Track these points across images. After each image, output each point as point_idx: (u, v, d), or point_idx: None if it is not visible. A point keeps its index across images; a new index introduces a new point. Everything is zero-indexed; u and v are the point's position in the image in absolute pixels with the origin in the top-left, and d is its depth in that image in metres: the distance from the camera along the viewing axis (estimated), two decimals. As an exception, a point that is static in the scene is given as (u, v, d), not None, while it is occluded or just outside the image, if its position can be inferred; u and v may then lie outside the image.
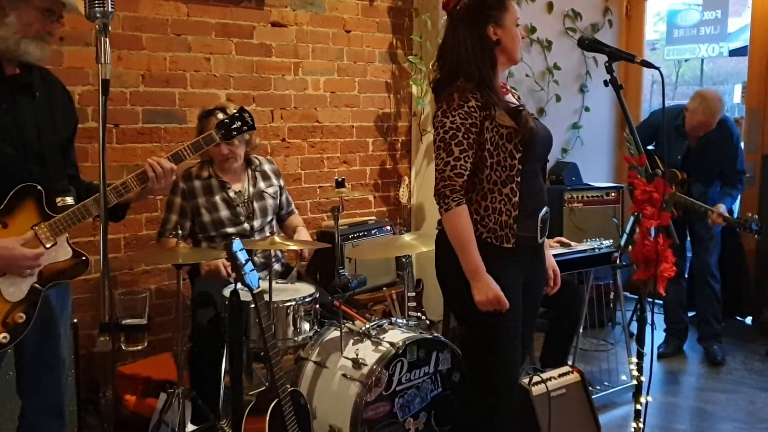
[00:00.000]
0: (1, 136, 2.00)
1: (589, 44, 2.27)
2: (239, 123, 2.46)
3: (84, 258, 2.13)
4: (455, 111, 2.16)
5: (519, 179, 2.21)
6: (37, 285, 2.04)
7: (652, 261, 2.13)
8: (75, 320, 2.97)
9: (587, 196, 4.61)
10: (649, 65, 2.18)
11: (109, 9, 1.76)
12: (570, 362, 3.46)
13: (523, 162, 2.21)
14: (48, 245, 2.05)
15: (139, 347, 2.29)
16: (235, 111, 2.50)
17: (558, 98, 4.85)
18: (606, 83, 2.21)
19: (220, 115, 2.43)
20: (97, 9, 1.76)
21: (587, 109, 5.12)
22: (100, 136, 1.80)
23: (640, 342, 2.27)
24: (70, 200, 2.12)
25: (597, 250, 3.54)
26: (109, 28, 1.79)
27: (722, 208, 3.89)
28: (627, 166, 4.17)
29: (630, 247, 3.69)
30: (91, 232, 3.39)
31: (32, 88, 2.08)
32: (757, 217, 3.81)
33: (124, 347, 2.31)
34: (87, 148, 3.33)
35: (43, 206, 2.05)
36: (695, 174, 4.04)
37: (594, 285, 3.73)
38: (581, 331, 3.64)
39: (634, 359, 2.28)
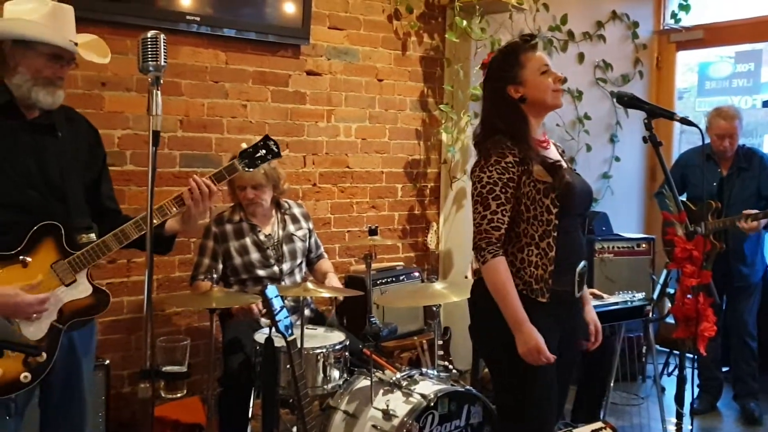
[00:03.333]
0: (24, 180, 2.04)
1: (628, 101, 2.28)
2: (264, 151, 2.32)
3: (105, 294, 2.13)
4: (492, 166, 2.19)
5: (556, 234, 2.21)
6: (56, 324, 2.05)
7: (692, 319, 2.10)
8: (107, 362, 3.00)
9: (618, 247, 4.57)
10: (689, 123, 2.19)
11: (162, 63, 1.80)
12: (601, 416, 3.40)
13: (561, 217, 2.21)
14: (67, 282, 2.06)
15: (179, 395, 2.28)
16: (259, 139, 2.37)
17: (588, 148, 4.87)
18: (645, 140, 2.21)
19: (244, 145, 2.36)
20: (150, 63, 1.80)
21: (617, 159, 5.13)
22: (149, 185, 1.83)
23: (680, 401, 2.23)
24: (86, 238, 2.11)
25: (629, 303, 3.50)
26: (161, 80, 1.82)
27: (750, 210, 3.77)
28: (661, 218, 4.19)
29: (666, 301, 3.66)
30: (124, 273, 3.43)
31: (54, 129, 2.11)
32: None
33: (163, 394, 2.30)
34: (124, 190, 3.39)
35: (63, 244, 2.07)
36: (729, 203, 3.99)
37: (625, 337, 3.68)
38: (612, 384, 3.58)
39: (674, 419, 2.23)
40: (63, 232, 2.06)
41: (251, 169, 2.32)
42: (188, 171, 3.61)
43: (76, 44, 2.07)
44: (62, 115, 2.15)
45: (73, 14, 2.12)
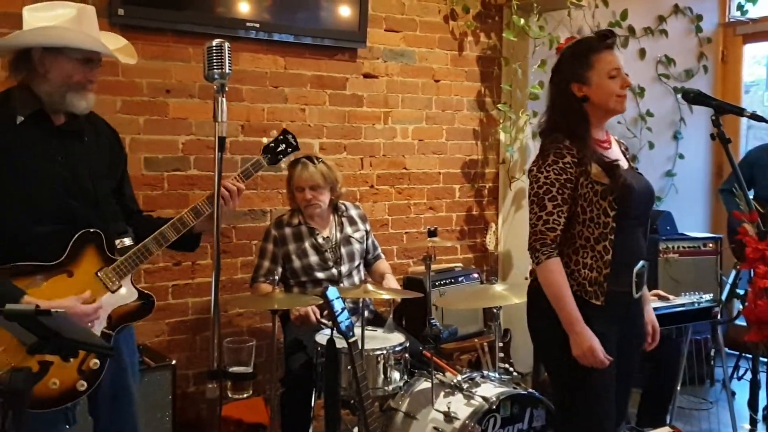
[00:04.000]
0: (63, 189, 2.03)
1: (694, 98, 2.22)
2: (284, 145, 2.41)
3: (150, 297, 2.16)
4: (550, 167, 2.18)
5: (613, 237, 2.18)
6: (106, 330, 2.07)
7: (765, 322, 2.03)
8: (173, 362, 3.08)
9: (683, 247, 4.44)
10: (760, 119, 2.12)
11: (227, 71, 1.84)
12: (668, 420, 3.32)
13: (618, 219, 2.17)
14: (114, 289, 2.08)
15: (245, 395, 2.33)
16: (278, 134, 2.45)
17: (651, 145, 4.76)
18: (713, 137, 2.15)
19: (264, 138, 2.44)
20: (215, 71, 1.84)
21: (681, 157, 5.00)
22: (215, 189, 1.88)
23: (753, 407, 2.15)
24: (128, 241, 2.13)
25: (696, 304, 3.40)
26: (226, 87, 1.86)
27: None
28: (726, 216, 4.07)
29: (735, 302, 3.53)
30: (189, 275, 3.52)
31: (81, 134, 2.11)
32: None
33: (230, 394, 2.34)
34: (188, 194, 3.47)
35: (105, 250, 2.08)
36: None
37: (692, 339, 3.58)
38: (679, 387, 3.49)
39: (747, 425, 2.16)
40: (104, 238, 2.08)
41: (274, 164, 2.41)
42: (249, 175, 3.68)
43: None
44: (84, 119, 2.13)
45: (95, 15, 2.10)
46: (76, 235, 2.03)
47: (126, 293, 2.11)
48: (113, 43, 2.15)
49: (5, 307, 1.49)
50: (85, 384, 2.02)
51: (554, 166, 2.16)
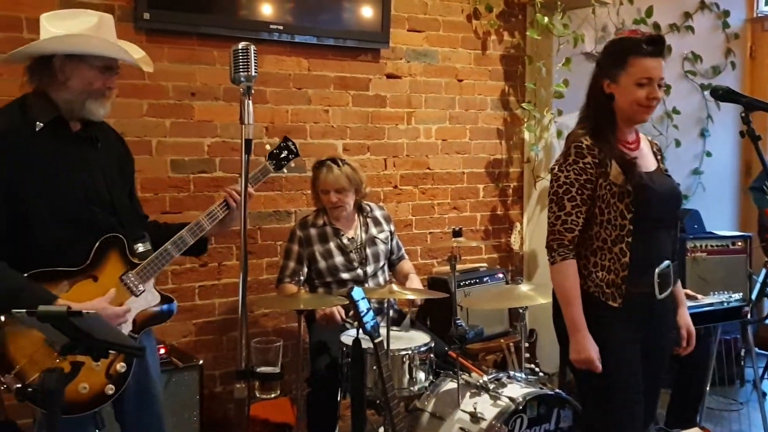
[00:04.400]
0: (84, 196, 2.04)
1: (723, 95, 2.19)
2: (286, 152, 2.50)
3: (171, 300, 2.18)
4: (570, 166, 2.18)
5: (630, 239, 2.16)
6: (132, 333, 2.09)
7: (798, 322, 1.99)
8: (200, 362, 3.11)
9: (711, 246, 4.38)
10: (792, 115, 2.08)
11: (253, 73, 1.85)
12: (697, 421, 3.28)
13: (636, 221, 2.16)
14: (138, 293, 2.10)
15: (272, 395, 2.35)
16: (280, 141, 2.52)
17: (678, 143, 4.71)
18: (742, 134, 2.12)
19: (267, 145, 2.52)
20: (242, 73, 1.86)
21: (709, 154, 4.94)
22: (242, 191, 1.89)
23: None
24: (141, 247, 2.14)
25: (726, 304, 3.36)
26: (252, 90, 1.87)
27: None
28: (756, 214, 4.00)
29: (766, 301, 3.48)
30: (215, 276, 3.55)
31: (95, 141, 2.12)
32: None
33: (258, 394, 2.37)
34: (214, 196, 3.49)
35: (127, 255, 2.10)
36: None
37: (721, 339, 3.53)
38: (708, 388, 3.45)
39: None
40: (126, 243, 2.09)
41: (279, 170, 2.49)
42: (273, 176, 3.68)
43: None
44: (97, 125, 2.14)
45: (113, 23, 2.11)
46: (99, 241, 2.04)
47: (150, 297, 2.14)
48: (131, 52, 2.17)
49: (38, 309, 1.52)
50: (113, 387, 2.04)
51: (575, 166, 2.17)
